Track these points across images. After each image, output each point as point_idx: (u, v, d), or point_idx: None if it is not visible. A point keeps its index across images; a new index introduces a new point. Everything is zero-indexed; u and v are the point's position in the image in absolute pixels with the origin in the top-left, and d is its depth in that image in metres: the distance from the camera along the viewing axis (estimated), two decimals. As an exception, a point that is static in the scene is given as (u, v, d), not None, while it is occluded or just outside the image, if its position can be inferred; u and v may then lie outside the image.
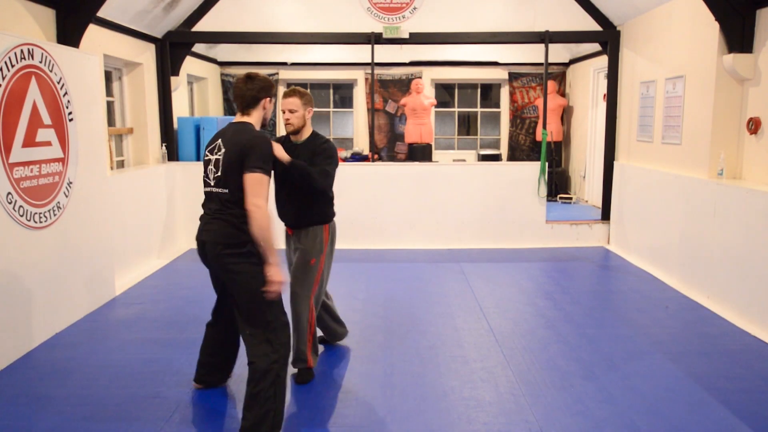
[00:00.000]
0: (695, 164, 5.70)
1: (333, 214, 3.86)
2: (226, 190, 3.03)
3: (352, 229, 7.30)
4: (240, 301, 3.08)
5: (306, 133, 3.76)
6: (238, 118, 3.20)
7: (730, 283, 4.97)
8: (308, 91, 3.71)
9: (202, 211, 3.21)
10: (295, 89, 3.71)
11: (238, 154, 2.99)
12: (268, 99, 3.21)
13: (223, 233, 3.03)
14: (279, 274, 3.03)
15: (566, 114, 10.35)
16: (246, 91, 3.14)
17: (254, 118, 3.18)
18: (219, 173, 3.05)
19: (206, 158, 3.16)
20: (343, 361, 4.05)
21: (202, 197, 3.24)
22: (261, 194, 2.95)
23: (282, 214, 3.80)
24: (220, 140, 3.13)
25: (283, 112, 3.69)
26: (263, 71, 10.25)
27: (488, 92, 10.98)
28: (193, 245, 7.42)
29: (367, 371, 3.91)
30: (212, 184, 3.10)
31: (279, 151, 3.42)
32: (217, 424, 3.27)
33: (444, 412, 3.38)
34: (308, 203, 3.72)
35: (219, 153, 3.08)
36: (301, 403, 3.49)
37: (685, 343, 4.39)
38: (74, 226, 4.80)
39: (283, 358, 3.09)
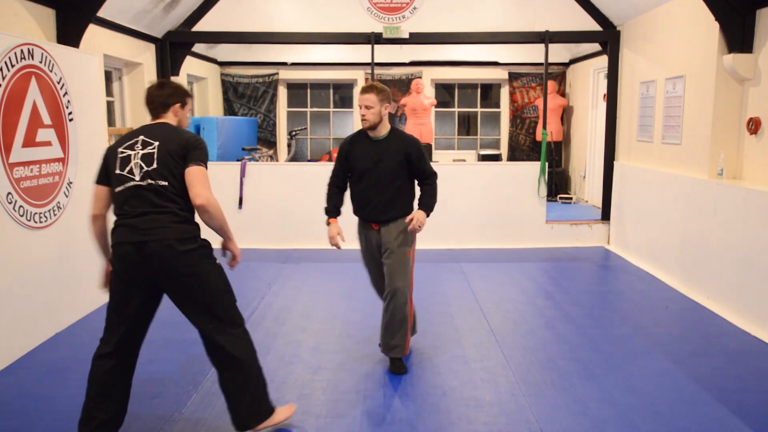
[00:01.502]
0: (695, 164, 5.70)
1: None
2: (166, 183, 2.83)
3: (352, 229, 7.30)
4: (205, 298, 2.91)
5: (384, 129, 3.78)
6: (151, 121, 3.08)
7: (730, 283, 4.97)
8: (385, 87, 3.77)
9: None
10: (372, 85, 3.73)
11: (181, 148, 2.87)
12: (179, 105, 3.08)
13: (176, 229, 2.81)
14: (237, 246, 3.09)
15: (566, 114, 10.35)
16: (156, 97, 3.04)
17: (170, 122, 3.07)
18: (154, 165, 2.83)
19: (122, 155, 2.89)
20: (342, 362, 4.05)
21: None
22: (209, 187, 2.87)
23: (365, 211, 3.83)
24: (142, 136, 2.92)
25: (360, 108, 3.72)
26: (263, 71, 10.27)
27: (488, 92, 10.98)
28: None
29: (367, 371, 3.91)
30: (139, 178, 2.83)
31: (423, 219, 3.71)
32: (217, 424, 3.27)
33: (444, 412, 3.38)
34: (394, 197, 3.78)
35: (149, 147, 2.87)
36: (298, 404, 3.49)
37: (685, 343, 4.39)
38: (74, 226, 4.80)
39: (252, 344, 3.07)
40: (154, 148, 2.87)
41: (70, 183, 4.74)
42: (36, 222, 4.30)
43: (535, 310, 5.12)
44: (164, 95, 3.04)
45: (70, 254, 4.75)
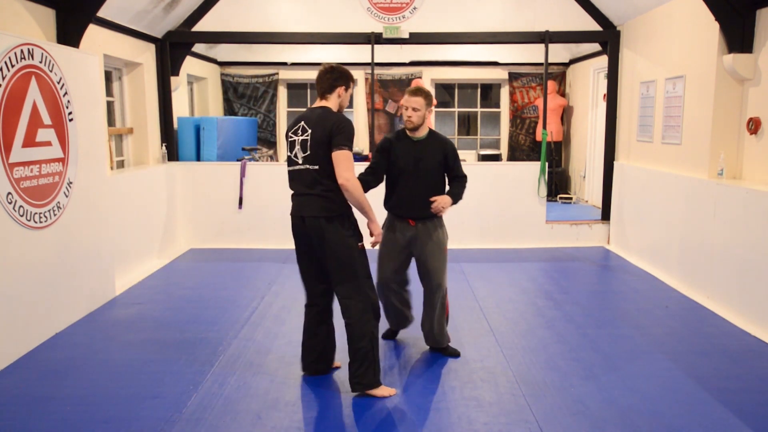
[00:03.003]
0: (695, 164, 5.70)
1: None
2: (317, 167, 3.40)
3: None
4: (333, 265, 3.47)
5: (424, 130, 4.01)
6: (317, 103, 3.57)
7: (730, 283, 4.97)
8: (430, 92, 3.98)
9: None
10: (419, 89, 3.96)
11: (326, 134, 3.37)
12: (344, 88, 3.55)
13: (321, 207, 3.42)
14: (379, 227, 3.59)
15: (566, 114, 10.35)
16: (325, 79, 3.53)
17: (332, 103, 3.54)
18: (308, 152, 3.42)
19: (290, 139, 3.51)
20: (342, 362, 4.05)
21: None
22: (350, 168, 3.36)
23: (404, 208, 4.00)
24: (303, 122, 3.48)
25: (405, 109, 3.93)
26: (263, 71, 10.26)
27: (488, 92, 10.98)
28: (193, 245, 7.46)
29: (367, 371, 3.91)
30: (301, 162, 3.46)
31: (446, 203, 3.93)
32: (217, 424, 3.27)
33: (444, 412, 3.38)
34: (432, 195, 3.95)
35: (305, 134, 3.44)
36: (297, 404, 3.49)
37: (685, 343, 4.39)
38: (74, 226, 4.80)
39: (375, 316, 3.54)
40: (308, 136, 3.43)
41: (70, 183, 4.74)
42: (36, 222, 4.30)
43: (535, 310, 5.12)
44: (332, 78, 3.53)
45: (70, 254, 4.75)
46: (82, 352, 4.21)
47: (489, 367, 3.97)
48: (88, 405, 3.43)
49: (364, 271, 3.52)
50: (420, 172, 3.96)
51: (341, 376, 3.84)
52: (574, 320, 4.84)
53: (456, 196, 4.01)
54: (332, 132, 3.36)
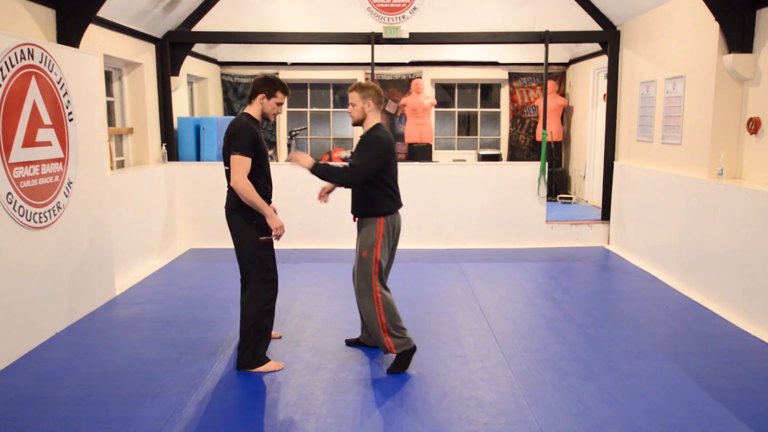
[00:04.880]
0: (695, 164, 5.70)
1: (390, 208, 3.90)
2: (227, 167, 3.77)
3: (352, 229, 7.30)
4: (235, 250, 3.86)
5: (368, 125, 3.92)
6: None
7: (730, 283, 4.97)
8: (373, 84, 3.91)
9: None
10: (357, 84, 3.93)
11: (228, 140, 3.75)
12: (263, 95, 3.81)
13: (229, 200, 3.83)
14: (275, 222, 3.75)
15: (566, 114, 10.35)
16: (251, 85, 3.88)
17: (252, 110, 3.86)
18: (224, 154, 3.82)
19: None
20: (342, 362, 4.05)
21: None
22: (238, 171, 3.66)
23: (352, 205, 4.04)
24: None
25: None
26: (263, 71, 10.26)
27: (488, 92, 10.98)
28: (193, 245, 7.47)
29: (367, 371, 3.91)
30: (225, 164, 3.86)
31: (302, 159, 3.80)
32: (217, 424, 3.27)
33: (444, 412, 3.38)
34: (361, 195, 3.88)
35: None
36: (298, 404, 3.49)
37: (685, 343, 4.39)
38: (74, 226, 4.80)
39: (263, 305, 3.83)
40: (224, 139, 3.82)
41: (70, 183, 4.74)
42: (36, 222, 4.30)
43: (535, 310, 5.12)
44: (254, 84, 3.86)
45: (70, 254, 4.75)
46: (82, 352, 4.21)
47: (489, 367, 3.97)
48: (88, 405, 3.43)
49: (260, 262, 3.78)
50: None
51: (343, 376, 3.84)
52: (574, 320, 4.84)
53: (320, 167, 3.76)
54: (231, 138, 3.70)
